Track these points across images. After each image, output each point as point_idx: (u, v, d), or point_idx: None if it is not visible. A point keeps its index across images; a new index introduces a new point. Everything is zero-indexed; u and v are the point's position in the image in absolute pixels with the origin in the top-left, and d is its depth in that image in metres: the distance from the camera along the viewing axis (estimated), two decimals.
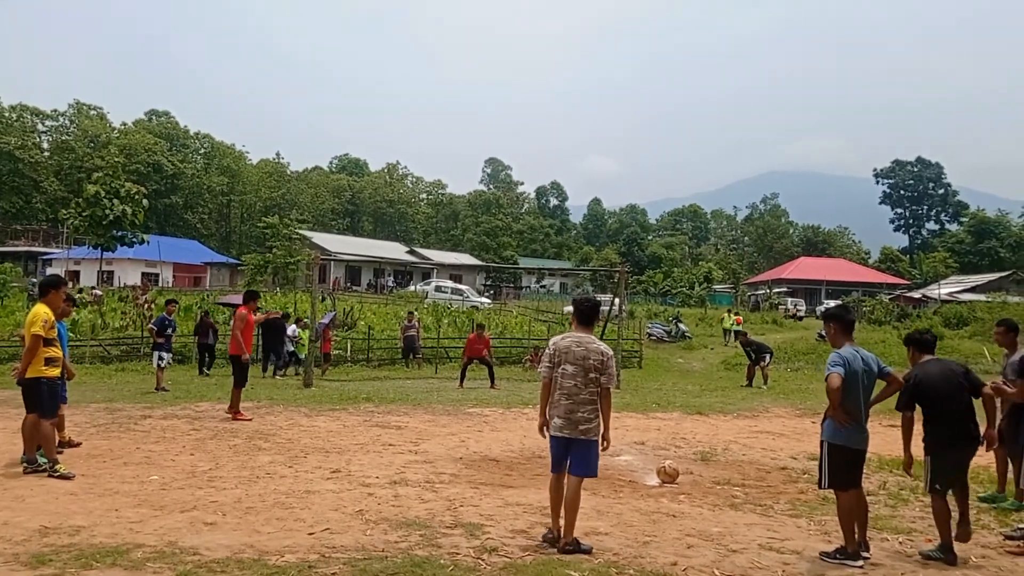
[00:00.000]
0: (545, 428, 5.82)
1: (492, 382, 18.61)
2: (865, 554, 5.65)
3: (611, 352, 5.82)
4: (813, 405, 15.15)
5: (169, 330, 16.82)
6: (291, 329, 22.16)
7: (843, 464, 5.65)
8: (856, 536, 5.66)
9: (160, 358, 16.24)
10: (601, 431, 5.74)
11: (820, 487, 5.96)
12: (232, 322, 14.02)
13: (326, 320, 23.50)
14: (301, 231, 60.50)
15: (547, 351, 5.89)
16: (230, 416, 11.75)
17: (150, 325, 17.13)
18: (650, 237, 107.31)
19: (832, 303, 56.41)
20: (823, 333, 33.17)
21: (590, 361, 5.65)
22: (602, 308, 37.98)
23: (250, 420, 11.64)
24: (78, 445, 9.14)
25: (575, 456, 5.68)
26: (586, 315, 5.90)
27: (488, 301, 50.52)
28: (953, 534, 5.76)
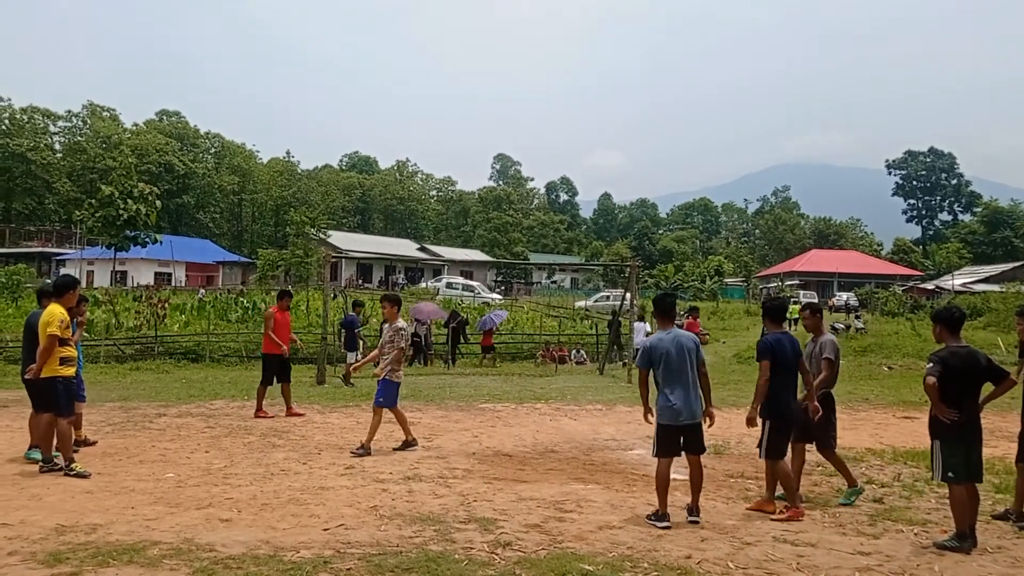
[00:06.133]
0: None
1: None
2: (693, 518, 6.29)
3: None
4: None
5: (356, 329, 18.22)
6: (640, 326, 23.40)
7: (664, 438, 6.43)
8: (691, 500, 6.45)
9: (355, 356, 17.35)
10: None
11: (652, 455, 6.63)
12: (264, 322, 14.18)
13: (501, 316, 26.58)
14: (325, 229, 60.39)
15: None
16: (285, 415, 11.99)
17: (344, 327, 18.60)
18: (661, 231, 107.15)
19: (845, 295, 56.35)
20: (835, 326, 33.16)
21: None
22: (613, 303, 38.01)
23: (272, 418, 11.74)
24: (94, 443, 9.20)
25: None
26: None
27: (499, 297, 50.54)
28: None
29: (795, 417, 6.84)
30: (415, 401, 14.12)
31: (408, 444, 9.29)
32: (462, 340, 25.81)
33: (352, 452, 8.94)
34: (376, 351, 9.58)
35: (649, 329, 23.67)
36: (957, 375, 5.82)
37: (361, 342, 18.76)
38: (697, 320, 19.60)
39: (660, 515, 6.25)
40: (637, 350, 23.20)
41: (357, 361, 17.09)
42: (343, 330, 18.71)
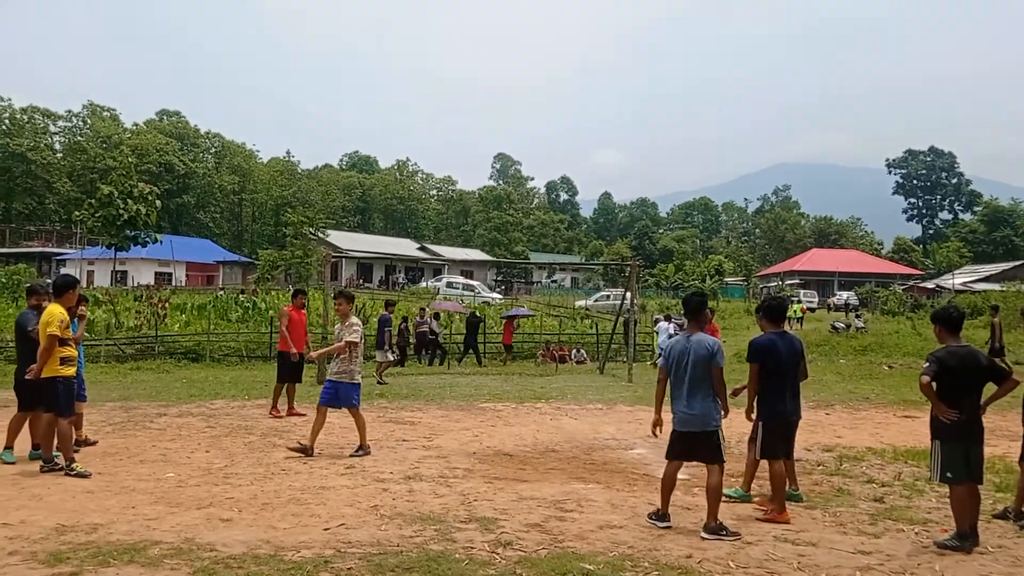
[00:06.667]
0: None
1: None
2: (707, 535, 5.89)
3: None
4: (827, 397, 15.10)
5: (387, 328, 18.22)
6: (664, 326, 23.29)
7: (673, 442, 6.31)
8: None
9: (384, 355, 17.70)
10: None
11: (666, 457, 6.44)
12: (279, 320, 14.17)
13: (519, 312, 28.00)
14: (325, 229, 60.39)
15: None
16: (287, 415, 11.96)
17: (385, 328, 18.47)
18: (661, 230, 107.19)
19: (845, 294, 56.42)
20: (835, 325, 33.18)
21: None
22: (613, 302, 37.86)
23: (281, 417, 11.76)
24: (94, 443, 9.21)
25: None
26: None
27: (499, 296, 50.54)
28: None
29: (789, 419, 6.77)
30: (415, 400, 14.13)
31: (304, 449, 8.83)
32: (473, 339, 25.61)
33: (351, 455, 8.90)
34: (338, 344, 9.14)
35: (672, 331, 23.67)
36: (956, 374, 5.81)
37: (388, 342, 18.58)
38: (711, 325, 19.28)
39: (661, 514, 6.23)
40: (659, 352, 23.41)
41: (385, 361, 17.82)
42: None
